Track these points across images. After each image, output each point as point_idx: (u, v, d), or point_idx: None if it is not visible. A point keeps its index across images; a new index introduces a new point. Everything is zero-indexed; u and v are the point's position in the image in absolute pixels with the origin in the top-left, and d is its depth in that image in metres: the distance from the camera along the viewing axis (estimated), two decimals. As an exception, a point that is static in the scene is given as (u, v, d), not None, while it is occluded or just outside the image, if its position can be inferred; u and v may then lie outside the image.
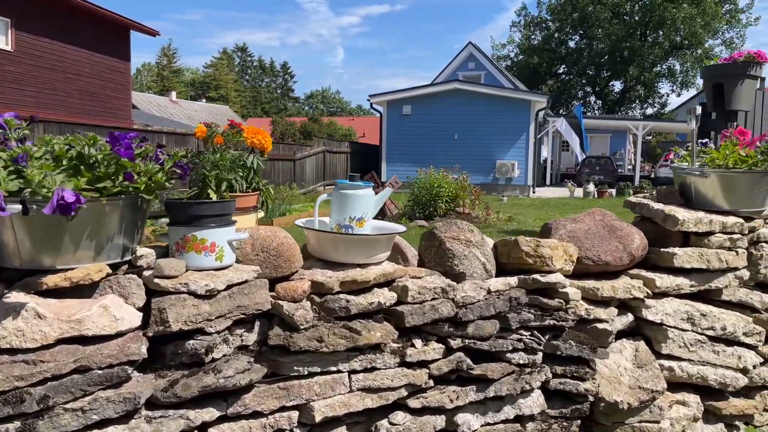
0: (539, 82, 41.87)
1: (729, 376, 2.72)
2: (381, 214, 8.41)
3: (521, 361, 2.24)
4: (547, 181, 26.53)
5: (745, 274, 2.84)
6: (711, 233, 2.77)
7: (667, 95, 42.61)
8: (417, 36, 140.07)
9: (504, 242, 2.48)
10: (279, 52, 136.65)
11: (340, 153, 22.52)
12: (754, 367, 2.80)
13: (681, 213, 2.73)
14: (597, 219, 2.79)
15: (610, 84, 44.33)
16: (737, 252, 2.81)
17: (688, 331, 2.67)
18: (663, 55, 39.27)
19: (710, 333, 2.71)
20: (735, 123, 4.48)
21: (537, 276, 2.33)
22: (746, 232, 2.86)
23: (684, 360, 2.67)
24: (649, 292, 2.61)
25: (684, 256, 2.66)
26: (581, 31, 41.72)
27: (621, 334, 2.69)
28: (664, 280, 2.64)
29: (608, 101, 42.62)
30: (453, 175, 11.83)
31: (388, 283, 2.10)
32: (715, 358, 2.72)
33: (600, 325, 2.49)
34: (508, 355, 2.22)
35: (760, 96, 4.87)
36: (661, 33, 38.38)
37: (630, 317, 2.63)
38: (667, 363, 2.63)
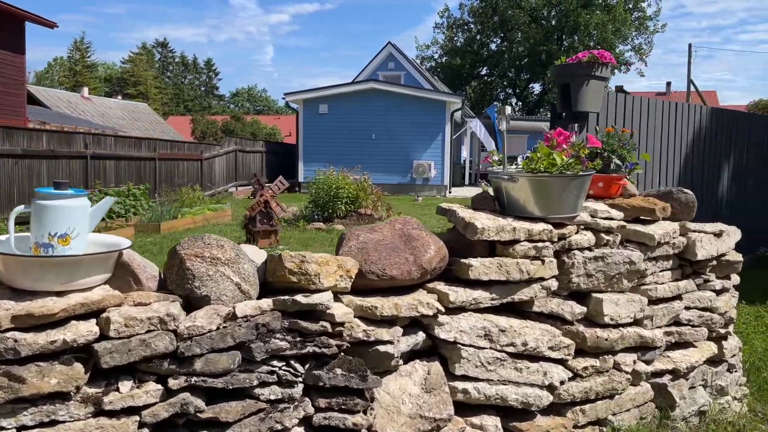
0: (462, 84, 42.44)
1: (532, 395, 2.54)
2: (268, 218, 8.03)
3: (273, 397, 1.96)
4: (466, 181, 26.83)
5: (553, 284, 2.68)
6: (516, 242, 2.59)
7: (583, 97, 43.80)
8: (347, 35, 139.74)
9: (270, 258, 2.19)
10: (206, 48, 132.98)
11: (254, 152, 21.89)
12: (562, 383, 2.64)
13: (482, 221, 2.53)
14: (396, 228, 2.55)
15: (530, 86, 45.51)
16: (543, 261, 2.64)
17: (485, 348, 2.47)
18: (578, 59, 40.55)
19: (511, 349, 2.52)
20: (580, 125, 4.41)
21: (299, 297, 2.06)
22: (555, 239, 2.70)
23: (481, 380, 2.47)
24: (441, 308, 2.39)
25: (481, 267, 2.46)
26: (502, 34, 42.60)
27: (418, 354, 2.46)
28: (459, 294, 2.43)
29: (528, 103, 43.74)
30: (354, 176, 11.58)
31: (96, 313, 1.76)
32: (517, 376, 2.54)
33: (382, 348, 2.24)
34: (256, 390, 1.93)
35: (622, 100, 4.83)
36: (576, 38, 39.68)
37: (421, 336, 2.41)
38: (462, 385, 2.43)
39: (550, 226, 2.68)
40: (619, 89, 53.39)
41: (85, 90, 44.62)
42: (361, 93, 21.57)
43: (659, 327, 3.09)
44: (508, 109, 2.68)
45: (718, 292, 3.39)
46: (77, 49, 58.69)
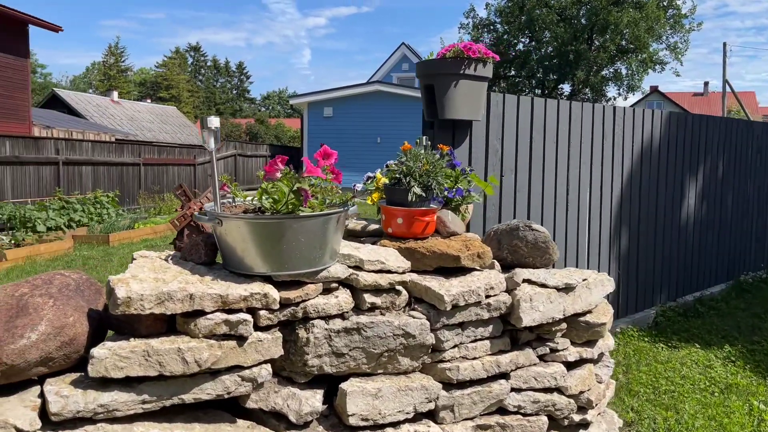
0: (489, 85, 41.25)
1: None
2: (197, 232, 7.35)
3: None
4: (480, 187, 25.77)
5: (261, 373, 1.88)
6: (200, 313, 1.81)
7: (614, 98, 42.38)
8: (382, 38, 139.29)
9: None
10: (244, 52, 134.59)
11: (257, 156, 21.42)
12: None
13: (138, 283, 1.75)
14: (18, 293, 1.80)
15: (559, 87, 44.06)
16: (243, 339, 1.85)
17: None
18: (609, 58, 39.04)
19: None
20: (457, 136, 3.55)
21: None
22: (275, 306, 1.90)
23: None
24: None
25: (111, 359, 1.67)
26: (529, 34, 41.29)
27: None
28: (70, 401, 1.65)
29: (557, 105, 42.19)
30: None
31: None
32: None
33: None
34: None
35: (528, 105, 3.97)
36: (606, 37, 38.10)
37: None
38: None
39: (267, 289, 1.89)
40: (654, 90, 51.22)
41: (115, 94, 45.23)
42: (366, 95, 20.86)
43: (469, 419, 2.25)
44: (215, 121, 1.90)
45: (571, 365, 2.52)
46: (111, 54, 59.89)
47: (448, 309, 2.14)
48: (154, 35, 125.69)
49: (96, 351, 1.65)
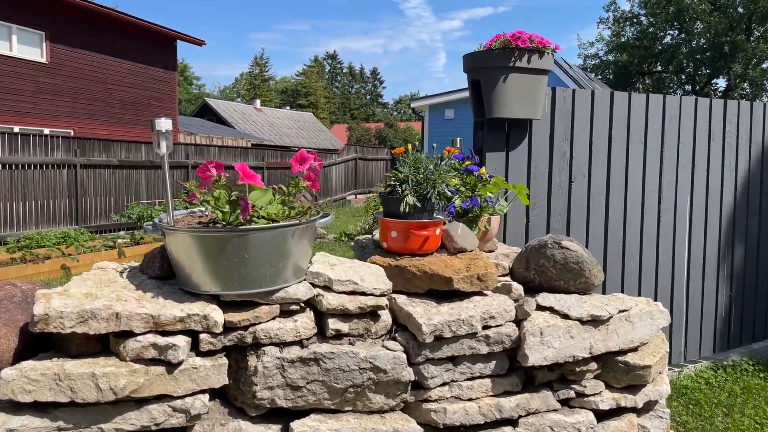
0: (631, 81, 38.62)
1: None
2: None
3: None
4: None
5: (195, 404, 1.68)
6: (128, 334, 1.66)
7: (778, 94, 37.68)
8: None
9: None
10: (381, 58, 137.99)
11: (377, 160, 21.65)
12: None
13: (59, 299, 1.64)
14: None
15: (712, 82, 40.03)
16: (173, 366, 1.66)
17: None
18: (770, 50, 34.71)
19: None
20: (513, 137, 3.13)
21: None
22: (218, 330, 1.70)
23: None
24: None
25: (18, 381, 1.55)
26: (678, 25, 37.96)
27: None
28: (-3, 415, 1.57)
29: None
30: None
31: None
32: None
33: None
34: None
35: (607, 100, 3.50)
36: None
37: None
38: None
39: (209, 310, 1.69)
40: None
41: (258, 102, 48.38)
42: (488, 97, 20.26)
43: (461, 472, 1.89)
44: (165, 123, 1.72)
45: (606, 415, 2.05)
46: (257, 65, 64.16)
47: (427, 341, 1.81)
48: (298, 45, 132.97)
49: (5, 372, 1.55)
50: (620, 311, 2.06)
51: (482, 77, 2.99)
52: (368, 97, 72.00)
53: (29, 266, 7.02)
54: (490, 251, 2.64)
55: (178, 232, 1.70)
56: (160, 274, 1.88)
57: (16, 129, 15.91)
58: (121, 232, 10.84)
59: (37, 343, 1.74)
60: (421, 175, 2.07)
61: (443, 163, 2.18)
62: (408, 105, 72.74)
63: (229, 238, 1.66)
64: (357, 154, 20.31)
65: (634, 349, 2.11)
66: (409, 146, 2.26)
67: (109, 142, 11.60)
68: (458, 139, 2.73)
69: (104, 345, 1.70)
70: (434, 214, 2.13)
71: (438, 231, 2.12)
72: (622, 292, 3.58)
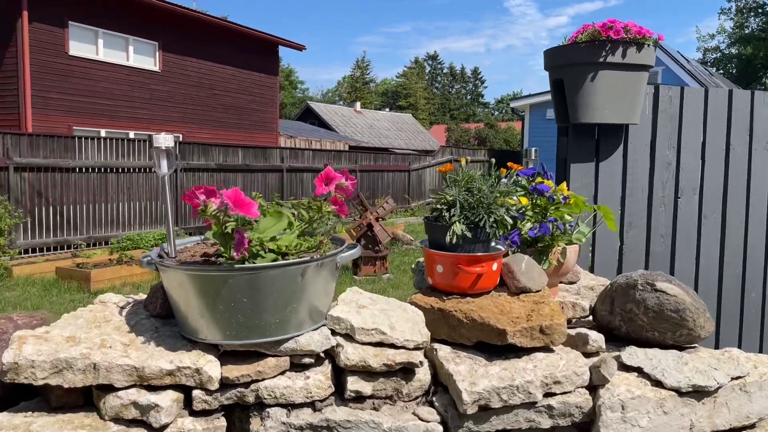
0: (755, 77, 35.23)
1: None
2: (373, 243, 7.25)
3: None
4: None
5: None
6: (110, 388, 1.42)
7: None
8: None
9: None
10: (483, 57, 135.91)
11: (476, 162, 21.06)
12: None
13: (34, 345, 1.43)
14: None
15: None
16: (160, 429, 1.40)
17: None
18: None
19: None
20: (604, 145, 2.64)
21: None
22: (212, 386, 1.43)
23: None
24: None
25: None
26: (812, 13, 34.19)
27: None
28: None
29: None
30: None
31: None
32: None
33: None
34: None
35: (724, 98, 2.95)
36: None
37: None
38: None
39: (203, 362, 1.42)
40: None
41: (358, 104, 49.08)
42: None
43: None
44: (166, 139, 1.44)
45: None
46: (358, 68, 65.17)
47: (469, 412, 1.43)
48: (399, 47, 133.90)
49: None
50: (733, 378, 1.57)
51: (566, 76, 2.54)
52: (468, 97, 71.02)
53: (124, 268, 7.27)
54: (571, 282, 2.20)
55: (168, 269, 1.44)
56: (162, 312, 1.63)
57: (132, 134, 16.96)
58: (216, 234, 11.15)
59: (22, 389, 1.55)
60: (474, 198, 1.69)
61: (504, 182, 1.78)
62: (509, 105, 71.04)
63: (224, 279, 1.37)
64: (453, 155, 19.85)
65: (751, 426, 1.61)
66: (463, 161, 1.88)
67: (207, 146, 11.97)
68: (533, 149, 2.30)
69: (89, 397, 1.48)
70: (492, 244, 1.74)
71: (495, 266, 1.72)
72: (740, 332, 2.97)
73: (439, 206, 1.73)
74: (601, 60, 2.43)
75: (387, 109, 53.05)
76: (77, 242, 9.48)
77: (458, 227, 1.64)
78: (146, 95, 17.37)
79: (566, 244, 1.90)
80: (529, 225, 1.91)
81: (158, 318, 1.63)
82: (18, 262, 7.94)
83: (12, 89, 14.54)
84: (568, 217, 1.97)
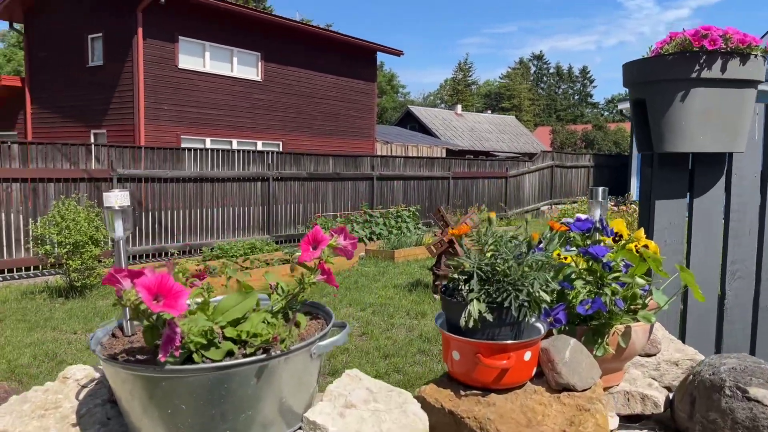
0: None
1: None
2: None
3: None
4: None
5: None
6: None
7: None
8: (759, 24, 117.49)
9: None
10: (593, 55, 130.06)
11: (578, 167, 19.95)
12: None
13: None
14: None
15: None
16: None
17: None
18: None
19: None
20: (700, 180, 2.12)
21: None
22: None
23: None
24: None
25: None
26: None
27: None
28: None
29: None
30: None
31: None
32: None
33: None
34: None
35: None
36: None
37: None
38: None
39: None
40: None
41: (459, 107, 48.48)
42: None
43: None
44: (118, 198, 1.19)
45: None
46: (460, 70, 64.47)
47: None
48: (503, 48, 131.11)
49: None
50: None
51: (649, 95, 2.06)
52: (576, 97, 68.11)
53: (208, 279, 7.39)
54: (648, 355, 1.75)
55: (101, 360, 1.20)
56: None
57: (235, 142, 17.63)
58: (305, 244, 11.20)
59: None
60: (500, 268, 1.31)
61: (542, 249, 1.38)
62: (617, 105, 67.32)
63: (153, 381, 1.10)
64: (554, 161, 18.89)
65: None
66: (491, 215, 1.50)
67: (299, 156, 12.09)
68: (600, 189, 1.86)
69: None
70: (528, 320, 1.35)
71: (529, 354, 1.33)
72: None
73: (454, 275, 1.37)
74: (694, 75, 1.95)
75: (489, 112, 51.93)
76: (172, 250, 9.85)
77: (475, 307, 1.27)
78: (248, 104, 17.99)
79: (630, 322, 1.47)
80: (584, 292, 1.50)
81: (114, 404, 1.40)
82: (116, 270, 8.32)
83: (128, 102, 15.55)
84: (640, 281, 1.54)
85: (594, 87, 76.96)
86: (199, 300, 1.41)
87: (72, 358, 4.74)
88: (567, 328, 1.47)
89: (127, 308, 1.13)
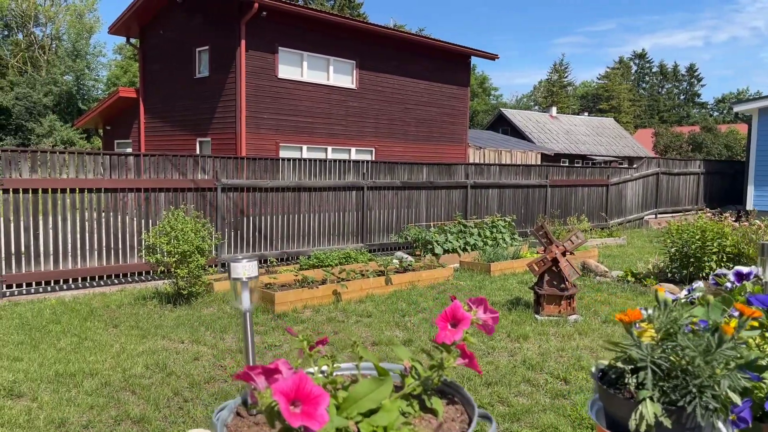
0: None
1: None
2: (558, 280, 6.55)
3: None
4: None
5: None
6: None
7: None
8: None
9: None
10: (701, 52, 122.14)
11: (686, 174, 18.68)
12: None
13: None
14: None
15: None
16: None
17: None
18: None
19: None
20: None
21: None
22: None
23: None
24: None
25: None
26: None
27: None
28: None
29: None
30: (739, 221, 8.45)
31: None
32: None
33: None
34: None
35: None
36: None
37: None
38: None
39: None
40: None
41: (554, 109, 47.02)
42: None
43: None
44: (246, 270, 1.10)
45: None
46: (555, 71, 62.52)
47: None
48: (602, 46, 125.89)
49: None
50: None
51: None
52: (682, 97, 64.15)
53: (305, 291, 7.47)
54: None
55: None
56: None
57: (330, 149, 17.95)
58: (398, 252, 11.13)
59: None
60: (683, 360, 1.10)
61: (731, 342, 1.16)
62: (730, 106, 62.68)
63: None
64: (659, 168, 17.78)
65: None
66: (660, 291, 1.29)
67: (393, 165, 12.06)
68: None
69: None
70: (714, 429, 1.14)
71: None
72: None
73: (618, 364, 1.18)
74: None
75: (586, 114, 49.95)
76: (270, 258, 10.09)
77: (650, 410, 1.08)
78: (343, 112, 18.24)
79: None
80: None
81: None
82: (218, 277, 8.61)
83: (231, 111, 16.21)
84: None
85: (702, 86, 72.22)
86: (325, 369, 1.32)
87: (180, 370, 4.89)
88: (751, 426, 1.24)
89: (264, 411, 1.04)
